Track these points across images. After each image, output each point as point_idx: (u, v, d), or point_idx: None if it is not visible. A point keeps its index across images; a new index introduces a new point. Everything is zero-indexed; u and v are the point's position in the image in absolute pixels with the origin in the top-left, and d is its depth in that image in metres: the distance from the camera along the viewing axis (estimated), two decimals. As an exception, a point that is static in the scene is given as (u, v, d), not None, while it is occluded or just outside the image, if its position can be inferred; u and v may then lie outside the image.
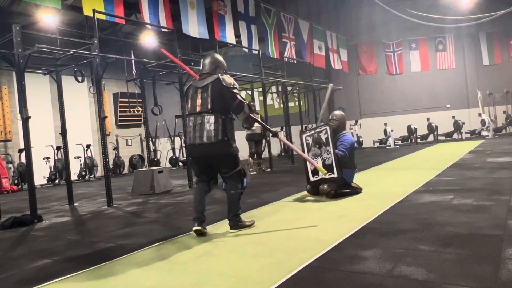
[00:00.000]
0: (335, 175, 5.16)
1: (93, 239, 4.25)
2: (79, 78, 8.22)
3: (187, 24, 9.11)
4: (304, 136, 5.61)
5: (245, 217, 4.68)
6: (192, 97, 3.93)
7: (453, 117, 16.59)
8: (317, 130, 5.43)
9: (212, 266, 2.93)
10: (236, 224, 3.96)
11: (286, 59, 12.96)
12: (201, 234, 3.81)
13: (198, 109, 3.85)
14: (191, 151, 3.98)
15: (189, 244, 3.63)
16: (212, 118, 3.79)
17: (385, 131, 16.68)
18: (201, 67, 4.08)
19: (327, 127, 5.36)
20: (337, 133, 5.47)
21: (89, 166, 13.59)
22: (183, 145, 12.95)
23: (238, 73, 11.14)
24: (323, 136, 5.33)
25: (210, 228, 4.22)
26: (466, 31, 16.81)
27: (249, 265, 2.89)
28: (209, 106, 3.80)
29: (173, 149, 16.82)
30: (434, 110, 17.38)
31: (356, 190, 5.41)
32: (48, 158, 12.55)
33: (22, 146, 9.75)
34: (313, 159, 5.28)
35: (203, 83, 3.91)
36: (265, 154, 11.29)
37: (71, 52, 6.74)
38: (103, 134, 6.91)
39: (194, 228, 3.80)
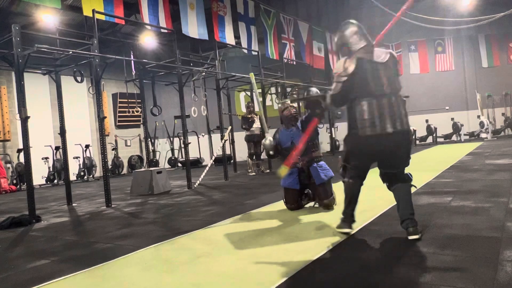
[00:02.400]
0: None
1: (92, 239, 4.25)
2: (79, 78, 8.20)
3: (187, 25, 9.11)
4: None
5: (243, 218, 4.69)
6: (372, 73, 3.06)
7: (452, 119, 16.61)
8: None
9: (211, 267, 2.93)
10: (416, 224, 3.17)
11: (286, 60, 12.98)
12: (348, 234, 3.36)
13: (385, 89, 3.05)
14: (374, 142, 3.07)
15: (188, 245, 3.63)
16: (400, 100, 3.11)
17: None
18: (349, 39, 3.20)
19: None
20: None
21: (88, 167, 13.57)
22: (182, 146, 12.97)
23: (237, 74, 11.16)
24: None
25: (209, 229, 4.23)
26: (465, 33, 16.83)
27: (248, 266, 2.89)
28: (398, 86, 3.14)
29: (172, 150, 16.82)
30: (433, 112, 17.40)
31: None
32: (47, 158, 12.54)
33: (20, 146, 9.74)
34: None
35: (379, 57, 3.12)
36: (264, 155, 11.29)
37: (71, 52, 6.74)
38: (102, 134, 6.91)
39: (345, 230, 3.34)
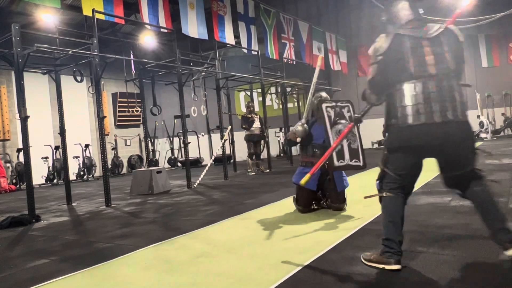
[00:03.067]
0: (361, 163, 4.27)
1: (91, 239, 4.25)
2: (78, 78, 8.21)
3: (187, 25, 9.11)
4: (324, 106, 4.37)
5: (243, 218, 4.69)
6: (413, 51, 2.54)
7: (452, 119, 16.61)
8: (339, 104, 4.45)
9: (210, 266, 2.93)
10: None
11: (285, 60, 12.98)
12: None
13: (431, 69, 2.51)
14: (418, 134, 2.50)
15: (187, 245, 3.63)
16: (456, 84, 2.53)
17: (384, 132, 16.68)
18: (395, 14, 2.73)
19: (350, 104, 4.49)
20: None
21: (87, 166, 13.58)
22: (182, 145, 12.99)
23: (237, 74, 11.16)
24: (346, 114, 4.41)
25: (209, 229, 4.23)
26: (465, 33, 16.62)
27: (248, 265, 2.89)
28: (450, 65, 2.52)
29: (172, 150, 16.83)
30: (433, 112, 17.42)
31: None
32: (46, 157, 12.53)
33: (20, 145, 9.73)
34: (336, 138, 4.19)
35: (429, 32, 2.59)
36: (264, 154, 11.30)
37: (70, 51, 6.74)
38: (102, 134, 6.91)
39: (391, 267, 2.50)
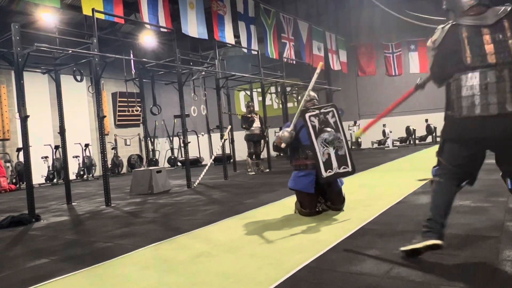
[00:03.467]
0: (350, 169, 4.27)
1: (91, 238, 4.25)
2: (78, 78, 8.20)
3: (187, 24, 9.11)
4: (307, 115, 4.31)
5: (243, 217, 4.69)
6: (470, 41, 2.46)
7: (452, 118, 16.59)
8: (323, 110, 4.37)
9: (210, 266, 2.93)
10: None
11: (285, 60, 12.98)
12: (435, 247, 2.57)
13: (491, 59, 2.40)
14: (473, 127, 2.46)
15: (187, 244, 3.63)
16: None
17: (383, 132, 16.69)
18: (458, 2, 2.62)
19: (334, 109, 4.41)
20: None
21: (87, 166, 13.57)
22: (182, 145, 12.99)
23: (237, 74, 11.16)
24: (330, 120, 4.34)
25: (208, 228, 4.23)
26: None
27: (247, 265, 2.89)
28: None
29: (172, 149, 16.83)
30: (433, 111, 17.37)
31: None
32: (46, 157, 12.53)
33: (20, 145, 9.73)
34: (323, 148, 4.19)
35: (490, 18, 2.46)
36: (264, 154, 11.29)
37: (70, 51, 6.73)
38: (102, 133, 6.91)
39: (429, 243, 2.56)
